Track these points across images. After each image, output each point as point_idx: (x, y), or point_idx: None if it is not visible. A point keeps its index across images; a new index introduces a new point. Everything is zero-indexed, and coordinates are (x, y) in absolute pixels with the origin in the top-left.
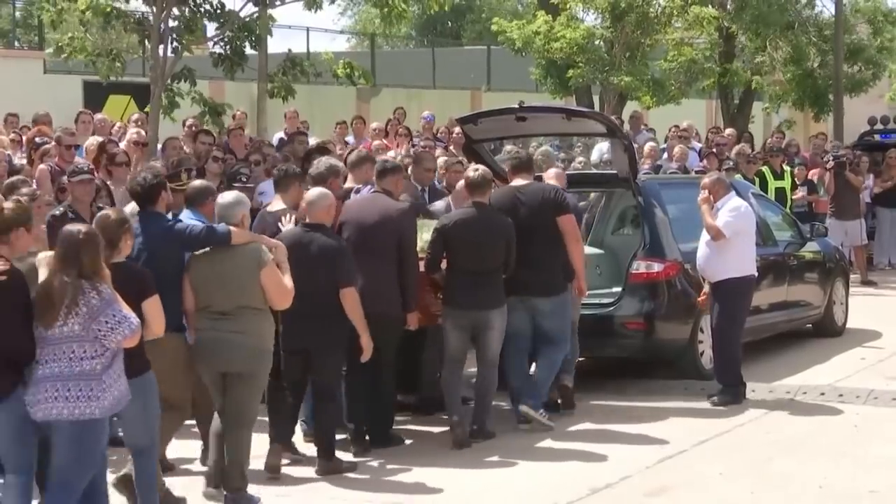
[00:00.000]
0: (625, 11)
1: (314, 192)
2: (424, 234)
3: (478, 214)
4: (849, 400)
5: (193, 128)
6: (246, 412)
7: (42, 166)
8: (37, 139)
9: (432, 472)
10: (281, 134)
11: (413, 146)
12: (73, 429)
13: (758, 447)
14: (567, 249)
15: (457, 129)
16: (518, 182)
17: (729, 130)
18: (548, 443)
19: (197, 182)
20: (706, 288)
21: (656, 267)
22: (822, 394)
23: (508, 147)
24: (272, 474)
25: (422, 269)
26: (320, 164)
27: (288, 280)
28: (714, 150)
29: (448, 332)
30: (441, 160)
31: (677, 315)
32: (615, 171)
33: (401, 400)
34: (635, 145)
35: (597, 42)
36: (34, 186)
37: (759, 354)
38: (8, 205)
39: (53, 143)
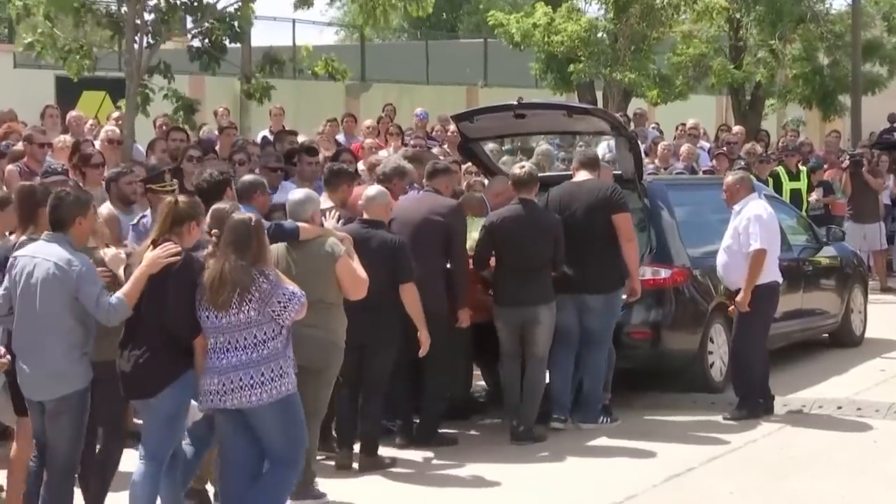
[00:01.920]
0: (629, 2)
1: (373, 189)
2: (473, 233)
3: (525, 212)
4: (867, 414)
5: (164, 126)
6: (315, 405)
7: (10, 167)
8: (2, 142)
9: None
10: (266, 132)
11: (405, 145)
12: (275, 409)
13: (771, 464)
14: (622, 248)
15: (452, 127)
16: (580, 177)
17: (737, 128)
18: (549, 460)
19: (247, 177)
20: (740, 297)
21: (663, 273)
22: (840, 407)
23: (491, 146)
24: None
25: (471, 266)
26: (388, 163)
27: (361, 270)
28: (724, 149)
29: (500, 330)
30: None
31: (685, 324)
32: (619, 172)
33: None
34: (641, 144)
35: (600, 35)
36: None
37: (773, 365)
38: (182, 198)
39: (22, 141)
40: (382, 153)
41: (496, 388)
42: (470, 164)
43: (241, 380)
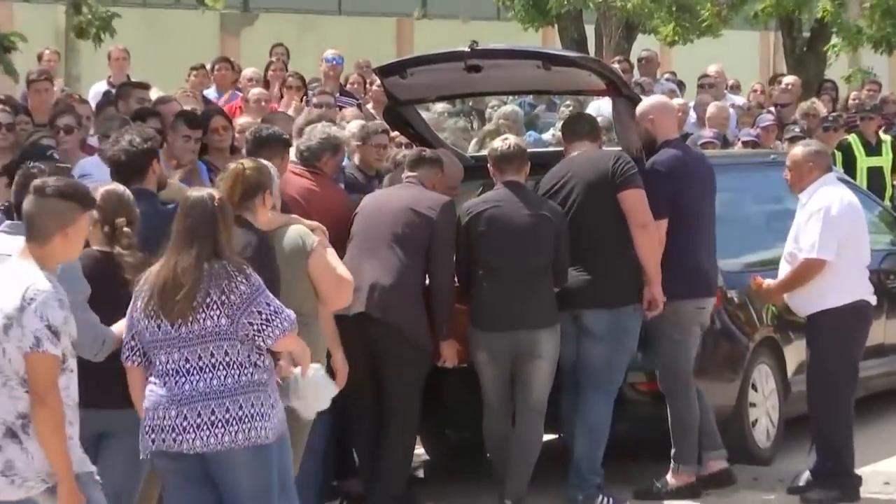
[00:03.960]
0: None
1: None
2: None
3: (514, 199)
4: None
5: None
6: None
7: None
8: None
9: None
10: (103, 85)
11: (308, 104)
12: (248, 457)
13: None
14: (634, 240)
15: (377, 82)
16: (573, 152)
17: (790, 79)
18: None
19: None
20: (766, 284)
21: None
22: None
23: (433, 110)
24: None
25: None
26: (313, 133)
27: (342, 267)
28: (773, 109)
29: (482, 368)
30: (354, 126)
31: (716, 369)
32: (618, 147)
33: (336, 486)
34: None
35: None
36: None
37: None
38: (249, 163)
39: None
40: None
41: (445, 457)
42: (399, 134)
43: (212, 412)
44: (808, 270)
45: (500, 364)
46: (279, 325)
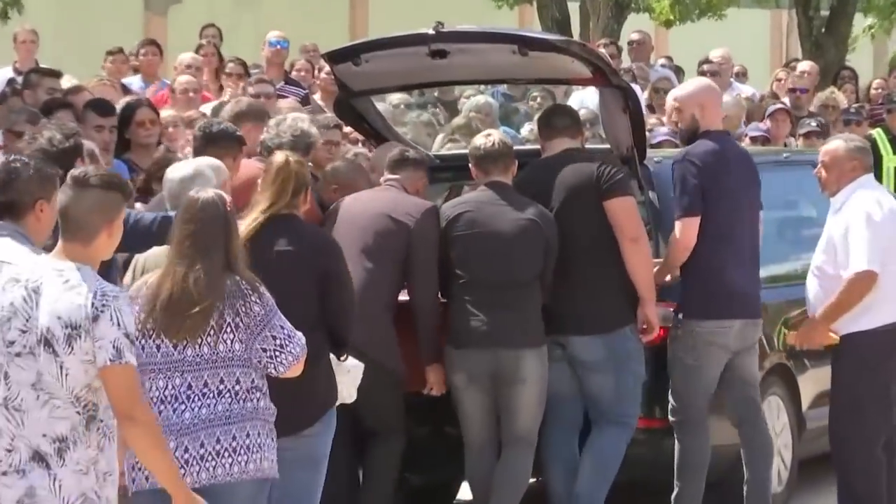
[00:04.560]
0: None
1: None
2: None
3: (497, 199)
4: None
5: None
6: None
7: None
8: None
9: None
10: (8, 71)
11: (248, 92)
12: (254, 491)
13: None
14: (623, 256)
15: (326, 69)
16: (553, 150)
17: (806, 65)
18: None
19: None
20: (804, 328)
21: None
22: None
23: (392, 101)
24: None
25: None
26: (283, 125)
27: None
28: (786, 100)
29: (460, 395)
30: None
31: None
32: (607, 146)
33: None
34: (643, 94)
35: None
36: None
37: None
38: (293, 157)
39: None
40: (208, 107)
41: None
42: (352, 130)
43: (217, 442)
44: (859, 287)
45: (481, 388)
46: (292, 352)
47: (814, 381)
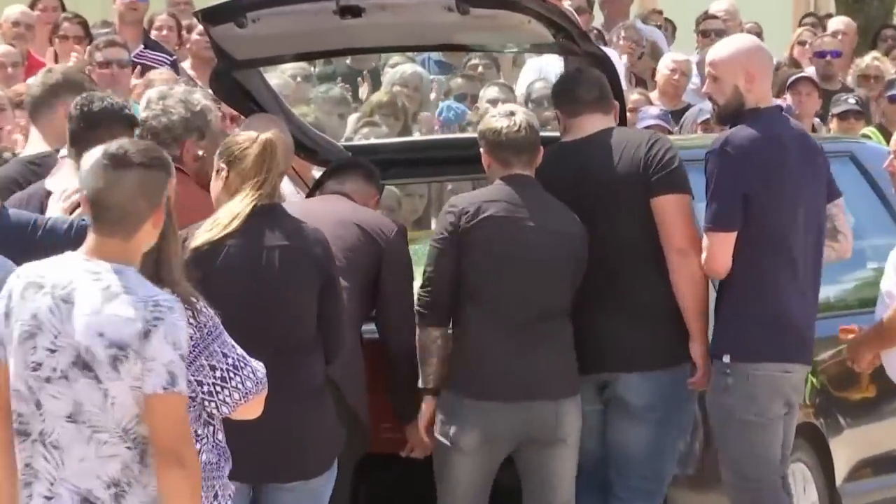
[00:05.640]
0: None
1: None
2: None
3: (521, 202)
4: None
5: None
6: None
7: None
8: None
9: None
10: None
11: (95, 59)
12: None
13: None
14: (669, 271)
15: (198, 28)
16: (578, 133)
17: (839, 22)
18: None
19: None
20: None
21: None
22: None
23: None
24: None
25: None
26: (168, 102)
27: None
28: (812, 69)
29: (459, 460)
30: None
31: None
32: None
33: None
34: (620, 63)
35: None
36: None
37: None
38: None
39: None
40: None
41: None
42: (234, 111)
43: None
44: None
45: (496, 454)
46: (239, 387)
47: (851, 445)
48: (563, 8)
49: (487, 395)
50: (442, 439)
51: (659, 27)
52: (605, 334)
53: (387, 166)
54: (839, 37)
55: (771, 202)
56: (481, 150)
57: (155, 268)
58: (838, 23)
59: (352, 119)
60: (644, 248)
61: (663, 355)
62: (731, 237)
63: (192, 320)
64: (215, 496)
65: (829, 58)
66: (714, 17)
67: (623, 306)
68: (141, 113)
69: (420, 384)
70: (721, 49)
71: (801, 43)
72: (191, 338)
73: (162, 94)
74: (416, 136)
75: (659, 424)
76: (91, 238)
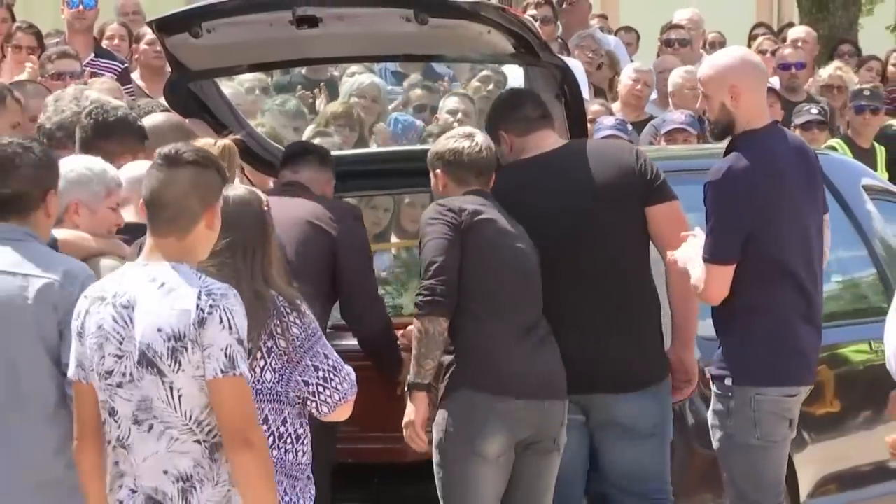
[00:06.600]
0: None
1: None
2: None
3: (498, 210)
4: None
5: None
6: None
7: None
8: None
9: None
10: None
11: (48, 70)
12: None
13: None
14: (667, 280)
15: (148, 36)
16: (534, 150)
17: (800, 31)
18: None
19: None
20: None
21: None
22: None
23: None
24: None
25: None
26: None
27: None
28: (775, 79)
29: (475, 471)
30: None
31: (693, 490)
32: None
33: None
34: (585, 77)
35: None
36: None
37: None
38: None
39: None
40: None
41: None
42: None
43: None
44: None
45: (508, 459)
46: (339, 388)
47: (816, 461)
48: (523, 18)
49: (509, 392)
50: (458, 446)
51: (606, 31)
52: (589, 352)
53: (343, 178)
54: (799, 44)
55: (771, 233)
56: (436, 170)
57: (263, 274)
58: (799, 31)
59: (308, 131)
60: (633, 259)
61: (653, 371)
62: (730, 269)
63: (297, 321)
64: (299, 493)
65: (793, 70)
66: (678, 26)
67: (612, 322)
68: (40, 119)
69: (412, 378)
70: (706, 65)
71: (762, 52)
72: (296, 338)
73: (57, 96)
74: (373, 148)
75: (655, 440)
76: (148, 242)
